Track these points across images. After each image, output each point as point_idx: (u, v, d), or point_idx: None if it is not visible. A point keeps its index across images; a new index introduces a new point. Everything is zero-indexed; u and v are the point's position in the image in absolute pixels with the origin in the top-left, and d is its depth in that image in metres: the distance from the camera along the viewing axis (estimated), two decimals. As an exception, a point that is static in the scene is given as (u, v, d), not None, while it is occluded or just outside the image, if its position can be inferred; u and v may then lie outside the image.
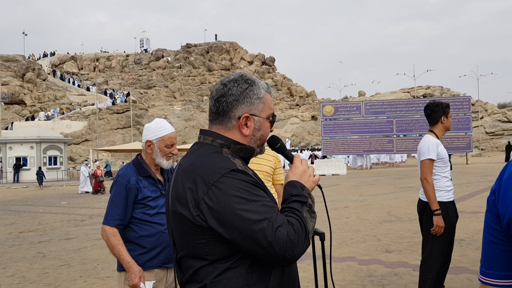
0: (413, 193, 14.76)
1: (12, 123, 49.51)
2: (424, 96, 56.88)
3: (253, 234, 1.32)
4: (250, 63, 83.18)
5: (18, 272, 6.67)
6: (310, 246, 1.54)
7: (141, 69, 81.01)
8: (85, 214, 13.69)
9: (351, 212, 11.18)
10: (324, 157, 35.14)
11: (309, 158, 37.26)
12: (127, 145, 33.34)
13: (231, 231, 1.35)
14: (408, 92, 61.39)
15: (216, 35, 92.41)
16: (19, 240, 9.44)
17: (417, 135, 32.15)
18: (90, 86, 66.53)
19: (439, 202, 3.96)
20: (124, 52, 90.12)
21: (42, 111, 54.07)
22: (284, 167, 21.59)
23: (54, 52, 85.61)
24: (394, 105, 33.71)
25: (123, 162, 35.82)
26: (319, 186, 1.65)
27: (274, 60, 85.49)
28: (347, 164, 33.59)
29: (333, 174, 28.96)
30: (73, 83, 68.78)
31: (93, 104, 53.92)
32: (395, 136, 32.95)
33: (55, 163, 36.13)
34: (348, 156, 36.72)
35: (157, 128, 2.81)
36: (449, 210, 4.00)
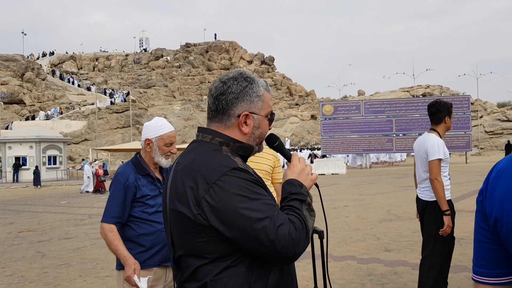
0: (413, 192, 14.74)
1: (12, 122, 49.50)
2: (424, 95, 56.91)
3: (255, 232, 1.32)
4: (250, 62, 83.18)
5: (17, 271, 6.66)
6: (309, 245, 1.54)
7: (141, 69, 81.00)
8: (84, 213, 13.69)
9: (350, 211, 11.19)
10: (323, 156, 35.15)
11: (308, 158, 37.26)
12: (127, 145, 33.34)
13: (232, 229, 1.34)
14: (407, 91, 61.43)
15: (215, 35, 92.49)
16: (19, 240, 9.44)
17: (417, 134, 32.13)
18: (90, 86, 66.48)
19: (436, 202, 3.98)
20: (123, 51, 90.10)
21: (42, 110, 54.02)
22: (283, 166, 21.58)
23: (53, 52, 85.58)
24: (393, 104, 33.71)
25: (122, 162, 35.84)
26: (316, 185, 1.65)
27: (274, 59, 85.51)
28: (346, 163, 33.60)
29: (332, 174, 28.97)
30: (72, 83, 68.74)
31: (92, 104, 53.90)
32: (394, 135, 32.96)
33: (55, 163, 36.11)
34: (348, 155, 36.72)
35: (157, 126, 2.80)
36: (451, 208, 4.02)
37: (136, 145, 30.26)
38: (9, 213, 14.63)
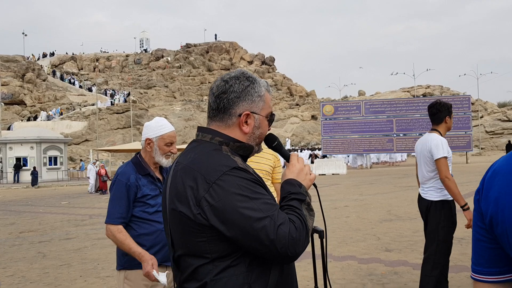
0: (413, 192, 14.76)
1: (12, 123, 49.52)
2: (424, 95, 56.88)
3: (255, 232, 1.32)
4: (250, 63, 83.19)
5: (18, 272, 6.67)
6: (309, 245, 1.54)
7: (141, 69, 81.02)
8: (85, 214, 13.69)
9: (351, 211, 11.19)
10: (324, 156, 35.14)
11: (309, 158, 37.25)
12: (127, 145, 33.30)
13: (232, 229, 1.34)
14: (408, 91, 61.40)
15: (216, 35, 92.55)
16: (20, 240, 9.45)
17: (417, 134, 32.14)
18: (91, 87, 66.50)
19: (445, 201, 3.99)
20: (124, 52, 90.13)
21: (43, 111, 54.04)
22: (283, 166, 21.59)
23: (53, 52, 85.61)
24: (394, 104, 33.70)
25: (123, 162, 35.81)
26: (315, 185, 1.65)
27: (274, 59, 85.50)
28: (347, 164, 33.59)
29: (333, 174, 28.96)
30: (73, 83, 68.76)
31: (93, 104, 53.94)
32: (395, 135, 32.95)
33: (55, 163, 36.14)
34: (348, 156, 36.71)
35: (157, 126, 2.81)
36: (453, 208, 4.03)
37: (137, 145, 30.24)
38: (10, 213, 14.64)
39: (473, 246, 1.18)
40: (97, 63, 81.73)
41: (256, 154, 1.65)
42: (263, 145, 1.69)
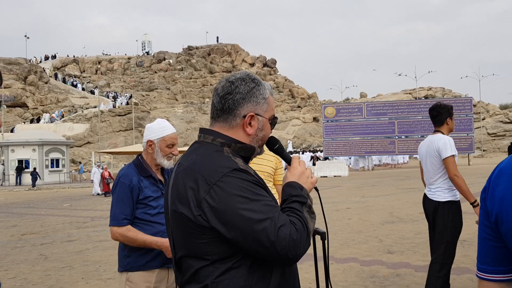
0: (415, 194, 14.73)
1: (14, 126, 49.63)
2: (426, 97, 56.84)
3: (256, 233, 1.32)
4: (252, 65, 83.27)
5: (20, 274, 6.67)
6: (311, 247, 1.53)
7: (143, 72, 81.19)
8: (87, 216, 13.70)
9: (353, 214, 11.17)
10: (325, 158, 35.11)
11: (310, 160, 37.23)
12: (129, 147, 33.33)
13: (233, 230, 1.34)
14: (409, 93, 61.35)
15: (217, 37, 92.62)
16: (21, 242, 9.45)
17: (419, 136, 32.09)
18: (93, 89, 66.60)
19: (453, 202, 4.02)
20: (126, 54, 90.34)
21: (46, 113, 54.14)
22: (285, 168, 21.60)
23: (55, 55, 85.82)
24: (395, 106, 33.67)
25: (124, 164, 35.73)
26: (316, 189, 1.65)
27: (276, 62, 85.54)
28: (349, 166, 33.56)
29: (335, 176, 28.93)
30: (75, 86, 68.90)
31: (95, 107, 54.02)
32: (397, 137, 32.91)
33: (57, 166, 36.18)
34: (350, 158, 36.67)
35: (159, 128, 2.81)
36: (460, 208, 4.06)
37: (139, 147, 30.26)
38: (12, 216, 14.66)
39: (478, 244, 1.18)
40: (99, 66, 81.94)
41: (258, 156, 1.65)
42: (265, 147, 1.69)
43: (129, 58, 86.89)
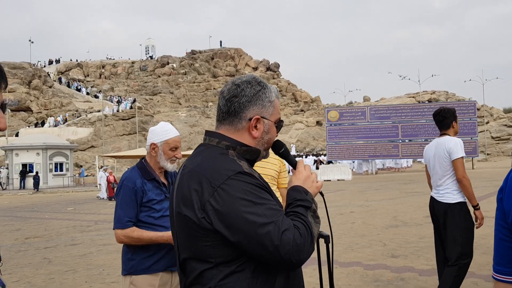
0: (419, 198, 14.69)
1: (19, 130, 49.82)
2: (429, 101, 56.75)
3: (259, 237, 1.31)
4: (255, 69, 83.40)
5: (24, 277, 6.68)
6: (315, 250, 1.53)
7: (147, 76, 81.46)
8: (90, 220, 13.72)
9: (356, 217, 11.14)
10: (329, 162, 35.07)
11: (314, 164, 37.19)
12: (133, 151, 33.39)
13: (236, 234, 1.34)
14: (413, 97, 61.30)
15: (221, 42, 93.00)
16: (25, 246, 9.47)
17: (423, 140, 32.00)
18: (98, 94, 66.82)
19: (463, 202, 4.05)
20: (129, 59, 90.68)
21: (51, 117, 54.33)
22: (288, 172, 21.57)
23: (59, 59, 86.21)
24: (399, 110, 33.62)
25: (128, 168, 35.76)
26: (321, 193, 1.64)
27: (279, 66, 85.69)
28: (352, 170, 33.48)
29: (338, 180, 28.87)
30: (79, 90, 69.15)
31: (99, 111, 54.19)
32: (400, 141, 32.84)
33: (61, 170, 36.27)
34: (353, 161, 36.61)
35: (162, 131, 2.82)
36: (468, 209, 4.10)
37: (142, 151, 30.31)
38: (16, 219, 14.69)
39: (495, 245, 1.16)
40: (103, 70, 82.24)
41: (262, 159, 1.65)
42: (270, 150, 1.69)
43: (132, 62, 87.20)
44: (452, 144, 4.03)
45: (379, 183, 23.43)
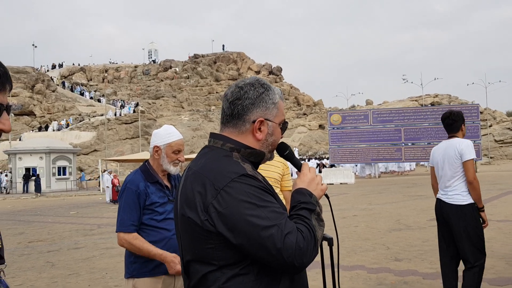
0: (422, 201, 14.65)
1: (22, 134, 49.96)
2: (432, 104, 56.64)
3: (262, 240, 1.31)
4: (257, 73, 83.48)
5: (27, 281, 6.69)
6: (319, 253, 1.52)
7: (149, 80, 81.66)
8: (93, 223, 13.73)
9: (360, 221, 11.12)
10: (332, 166, 35.03)
11: (316, 167, 37.14)
12: (136, 155, 33.45)
13: (239, 236, 1.33)
14: (416, 100, 61.17)
15: (223, 46, 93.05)
16: (28, 250, 9.48)
17: (426, 143, 31.91)
18: (101, 98, 66.99)
19: (473, 204, 4.08)
20: (132, 63, 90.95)
21: (55, 121, 54.48)
22: (292, 175, 21.58)
23: (61, 64, 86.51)
24: (402, 113, 33.56)
25: (131, 172, 35.78)
26: (326, 196, 1.63)
27: (281, 69, 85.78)
28: (355, 173, 33.43)
29: (341, 183, 28.83)
30: (82, 94, 69.34)
31: (101, 115, 54.31)
32: (403, 144, 32.77)
33: (64, 173, 36.34)
34: (356, 165, 36.55)
35: (165, 134, 2.83)
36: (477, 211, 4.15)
37: (145, 155, 30.35)
38: (19, 223, 14.72)
39: None
40: (106, 74, 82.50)
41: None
42: (274, 153, 1.69)
43: (135, 67, 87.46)
44: (464, 146, 4.06)
45: (382, 187, 23.38)
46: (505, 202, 13.27)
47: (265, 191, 1.41)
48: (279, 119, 1.58)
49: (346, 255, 7.20)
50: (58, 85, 69.61)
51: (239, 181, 1.38)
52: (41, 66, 79.65)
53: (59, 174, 35.85)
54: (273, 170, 3.59)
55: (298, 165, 1.65)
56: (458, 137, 4.21)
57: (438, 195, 4.31)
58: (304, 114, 68.11)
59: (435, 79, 64.80)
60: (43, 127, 52.80)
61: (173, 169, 2.83)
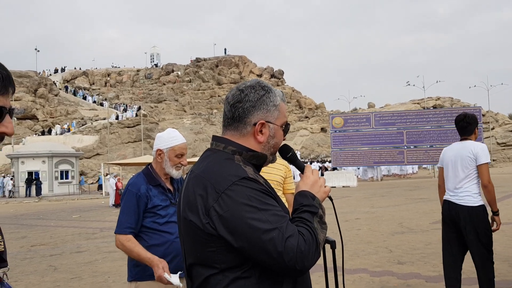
0: (425, 204, 14.62)
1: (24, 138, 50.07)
2: (434, 107, 56.61)
3: (263, 243, 1.31)
4: (259, 76, 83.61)
5: (29, 285, 6.69)
6: (321, 257, 1.51)
7: (152, 84, 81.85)
8: (96, 227, 13.74)
9: (362, 224, 11.10)
10: (334, 169, 35.00)
11: (319, 171, 37.11)
12: (138, 159, 33.46)
13: (240, 240, 1.33)
14: (418, 103, 61.16)
15: (225, 49, 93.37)
16: (31, 254, 9.49)
17: (428, 146, 31.89)
18: (104, 102, 67.15)
19: (484, 206, 4.10)
20: (134, 67, 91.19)
21: (58, 124, 54.62)
22: (294, 178, 21.55)
23: (64, 68, 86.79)
24: (404, 116, 33.54)
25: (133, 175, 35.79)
26: (330, 198, 1.62)
27: (283, 73, 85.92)
28: (357, 176, 33.39)
29: (343, 186, 28.80)
30: (85, 98, 69.51)
31: (104, 119, 54.42)
32: (405, 147, 32.72)
33: (67, 177, 36.39)
34: (359, 168, 36.52)
35: (169, 137, 2.83)
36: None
37: (147, 159, 30.36)
38: (21, 227, 14.73)
39: None
40: (108, 78, 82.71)
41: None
42: (277, 155, 1.68)
43: (138, 71, 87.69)
44: (479, 149, 4.08)
45: (385, 190, 23.34)
46: (508, 204, 13.22)
47: (266, 194, 1.40)
48: (280, 121, 1.58)
49: (349, 258, 7.18)
50: (60, 89, 69.83)
51: (240, 184, 1.37)
52: (44, 70, 79.88)
53: (61, 178, 35.91)
54: (276, 173, 3.59)
55: (301, 167, 1.64)
56: (471, 139, 4.23)
57: (446, 197, 4.29)
58: (306, 117, 68.14)
59: (437, 81, 64.87)
60: (46, 131, 52.94)
61: (176, 173, 2.83)
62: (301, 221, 1.40)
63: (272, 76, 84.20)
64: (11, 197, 34.04)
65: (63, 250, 9.75)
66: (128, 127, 53.65)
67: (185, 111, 69.15)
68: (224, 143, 1.54)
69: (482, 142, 4.54)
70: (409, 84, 53.59)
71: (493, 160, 45.73)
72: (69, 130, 53.01)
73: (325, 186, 1.57)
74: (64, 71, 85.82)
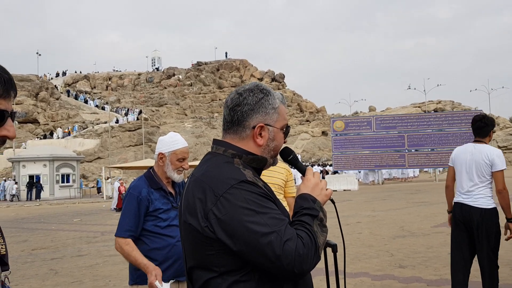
0: (426, 208, 14.59)
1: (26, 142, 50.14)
2: (435, 110, 56.58)
3: (261, 247, 1.30)
4: (260, 80, 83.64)
5: (30, 288, 6.68)
6: (323, 260, 1.51)
7: (153, 87, 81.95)
8: (97, 231, 13.73)
9: (363, 228, 11.08)
10: (335, 172, 34.98)
11: (320, 174, 37.11)
12: (139, 162, 33.51)
13: (239, 243, 1.33)
14: (419, 107, 61.11)
15: (226, 53, 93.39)
16: (32, 257, 9.48)
17: (429, 149, 31.86)
18: (105, 106, 67.22)
19: (496, 209, 4.10)
20: (136, 71, 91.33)
21: (59, 128, 54.70)
22: (295, 182, 21.51)
23: (65, 72, 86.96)
24: (405, 119, 33.54)
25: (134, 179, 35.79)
26: (332, 200, 1.62)
27: (284, 76, 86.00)
28: (358, 180, 33.36)
29: (344, 190, 28.78)
30: (86, 102, 69.61)
31: (105, 122, 54.50)
32: (406, 151, 32.70)
33: (68, 181, 36.39)
34: (360, 172, 36.49)
35: (171, 141, 2.84)
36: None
37: (148, 162, 30.39)
38: (22, 231, 14.73)
39: None
40: (109, 82, 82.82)
41: (268, 168, 1.64)
42: (279, 158, 1.68)
43: (139, 74, 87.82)
44: (495, 155, 4.08)
45: (386, 193, 23.31)
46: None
47: (265, 197, 1.40)
48: (280, 123, 1.57)
49: (350, 262, 7.17)
50: (62, 93, 69.94)
51: (238, 188, 1.37)
52: (45, 74, 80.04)
53: (62, 182, 35.90)
54: (277, 176, 3.59)
55: (302, 170, 1.64)
56: (485, 142, 4.22)
57: (458, 199, 4.26)
58: (307, 120, 68.16)
59: (438, 85, 64.72)
60: (48, 135, 53.01)
61: (177, 177, 2.84)
62: (300, 224, 1.40)
63: (273, 79, 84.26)
64: (12, 200, 34.03)
65: (64, 253, 9.75)
66: (129, 130, 53.71)
67: (186, 115, 69.22)
68: (224, 146, 1.54)
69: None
70: (409, 87, 53.57)
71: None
72: (69, 133, 53.09)
73: (326, 189, 1.56)
74: (65, 75, 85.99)
